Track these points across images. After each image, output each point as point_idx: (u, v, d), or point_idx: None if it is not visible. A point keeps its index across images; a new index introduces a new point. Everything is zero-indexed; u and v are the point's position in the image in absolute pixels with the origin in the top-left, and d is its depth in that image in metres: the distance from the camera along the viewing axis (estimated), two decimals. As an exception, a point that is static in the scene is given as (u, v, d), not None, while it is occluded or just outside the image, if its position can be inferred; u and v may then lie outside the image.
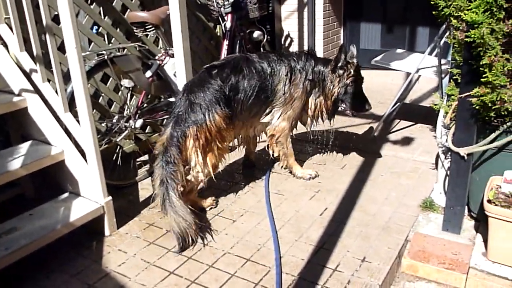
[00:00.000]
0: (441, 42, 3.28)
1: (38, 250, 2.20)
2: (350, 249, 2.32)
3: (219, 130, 2.54)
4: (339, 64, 2.90)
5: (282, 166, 3.16)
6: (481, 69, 1.97)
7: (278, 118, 2.92)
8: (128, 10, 3.33)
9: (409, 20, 5.15)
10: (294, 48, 5.31)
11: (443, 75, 3.33)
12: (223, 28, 3.82)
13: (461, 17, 1.96)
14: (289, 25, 5.29)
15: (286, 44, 5.35)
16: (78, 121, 2.43)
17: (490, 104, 2.01)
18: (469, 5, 1.92)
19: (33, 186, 2.83)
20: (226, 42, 3.76)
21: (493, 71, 1.92)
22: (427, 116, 4.02)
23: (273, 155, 3.10)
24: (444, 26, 3.16)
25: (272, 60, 2.86)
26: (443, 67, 3.35)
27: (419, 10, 4.94)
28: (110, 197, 2.51)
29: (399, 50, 4.10)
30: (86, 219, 2.41)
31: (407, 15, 5.17)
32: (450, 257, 2.23)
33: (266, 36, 4.15)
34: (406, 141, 3.67)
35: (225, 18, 3.79)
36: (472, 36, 1.89)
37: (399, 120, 4.09)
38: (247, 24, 4.04)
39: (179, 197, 2.35)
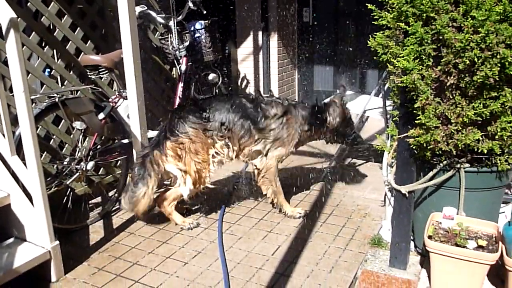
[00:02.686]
0: (386, 86, 3.47)
1: (-23, 299, 2.12)
2: (300, 288, 2.35)
3: (194, 142, 2.85)
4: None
5: (273, 203, 3.21)
6: (415, 111, 2.10)
7: (266, 155, 3.04)
8: (82, 53, 3.36)
9: (359, 63, 5.42)
10: (250, 89, 5.45)
11: (388, 116, 3.49)
12: (179, 70, 3.90)
13: (395, 63, 2.10)
14: (245, 67, 5.45)
15: (243, 86, 5.49)
16: (25, 164, 2.39)
17: (425, 145, 2.13)
18: (402, 53, 2.06)
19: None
20: (181, 84, 3.83)
21: (425, 114, 2.05)
22: (378, 155, 4.19)
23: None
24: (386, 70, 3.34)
25: (267, 101, 3.07)
26: (388, 108, 3.52)
27: (368, 54, 5.20)
28: (57, 242, 2.45)
29: (348, 92, 4.28)
30: (31, 265, 2.34)
31: (357, 59, 5.44)
32: (396, 293, 2.29)
33: (221, 78, 4.26)
34: (357, 179, 3.79)
35: (180, 61, 3.88)
36: (405, 81, 2.03)
37: (350, 159, 4.23)
38: (202, 67, 4.14)
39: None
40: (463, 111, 2.02)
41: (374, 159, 4.17)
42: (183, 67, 3.86)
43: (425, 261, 2.53)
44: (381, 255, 2.64)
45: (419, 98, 2.03)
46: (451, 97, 2.06)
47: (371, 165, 4.12)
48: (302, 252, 2.70)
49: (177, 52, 3.85)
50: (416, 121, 2.10)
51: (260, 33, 5.25)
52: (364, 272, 2.45)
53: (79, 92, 3.32)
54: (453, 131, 2.07)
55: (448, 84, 2.02)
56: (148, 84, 3.94)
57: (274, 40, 5.25)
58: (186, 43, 3.87)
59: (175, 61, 3.95)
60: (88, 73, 3.21)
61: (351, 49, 5.47)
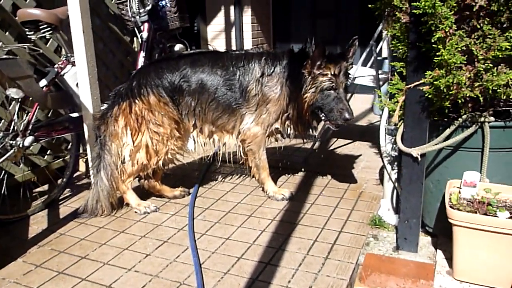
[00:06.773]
0: (378, 47, 3.06)
1: None
2: (292, 279, 1.87)
3: (152, 111, 2.43)
4: (317, 63, 2.38)
5: (255, 178, 2.76)
6: (434, 45, 1.66)
7: (250, 122, 2.54)
8: (21, 9, 2.80)
9: (339, 39, 5.01)
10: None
11: (381, 83, 3.10)
12: (140, 39, 3.37)
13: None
14: (216, 46, 4.95)
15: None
16: None
17: (445, 90, 1.69)
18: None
19: None
20: (142, 54, 3.29)
21: (447, 48, 1.62)
22: (364, 134, 3.84)
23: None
24: (379, 27, 2.94)
25: (245, 56, 2.55)
26: (380, 76, 3.12)
27: (348, 29, 4.81)
28: (-18, 233, 1.91)
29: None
30: None
31: (337, 35, 5.04)
32: (410, 280, 1.84)
33: (188, 49, 3.75)
34: (346, 158, 3.37)
35: (142, 28, 3.34)
36: (422, 6, 1.59)
37: (336, 139, 3.81)
38: (167, 37, 3.63)
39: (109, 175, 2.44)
40: (495, 43, 1.59)
41: (360, 138, 3.78)
42: (145, 35, 3.32)
43: (438, 241, 2.10)
44: (384, 237, 2.21)
45: (440, 26, 1.60)
46: (478, 27, 1.63)
47: (359, 144, 3.71)
48: (290, 237, 2.23)
49: (138, 17, 3.32)
50: (435, 59, 1.66)
51: (232, 7, 4.77)
52: (368, 257, 2.00)
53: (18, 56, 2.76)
54: (481, 70, 1.64)
55: (475, 8, 1.59)
56: (105, 56, 3.41)
57: (247, 15, 4.79)
58: (148, 7, 3.33)
59: (135, 29, 3.42)
60: (27, 32, 2.67)
61: (330, 22, 5.06)
